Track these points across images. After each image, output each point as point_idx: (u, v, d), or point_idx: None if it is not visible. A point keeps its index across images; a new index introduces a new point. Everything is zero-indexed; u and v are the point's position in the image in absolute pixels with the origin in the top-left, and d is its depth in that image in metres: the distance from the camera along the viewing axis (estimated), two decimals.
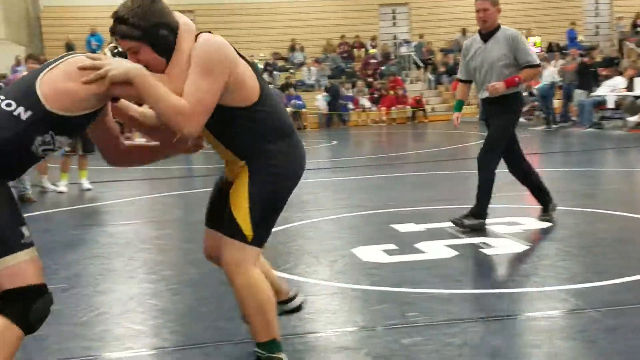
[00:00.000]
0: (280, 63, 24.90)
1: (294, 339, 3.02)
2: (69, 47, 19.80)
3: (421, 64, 24.32)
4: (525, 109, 20.23)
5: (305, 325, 3.19)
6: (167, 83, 2.30)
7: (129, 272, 4.38)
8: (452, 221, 5.16)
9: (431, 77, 23.96)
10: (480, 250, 4.57)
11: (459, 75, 5.57)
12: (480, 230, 5.08)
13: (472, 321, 3.16)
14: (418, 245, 4.69)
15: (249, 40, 25.26)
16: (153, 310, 3.54)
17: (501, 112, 5.14)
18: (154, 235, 5.59)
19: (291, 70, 24.44)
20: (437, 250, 4.56)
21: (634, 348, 2.78)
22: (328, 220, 5.88)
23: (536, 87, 17.07)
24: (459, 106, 5.61)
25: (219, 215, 2.66)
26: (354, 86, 23.10)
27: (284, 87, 22.15)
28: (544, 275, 3.94)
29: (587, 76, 16.02)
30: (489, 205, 5.17)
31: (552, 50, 23.37)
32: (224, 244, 2.53)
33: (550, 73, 16.73)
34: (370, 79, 23.89)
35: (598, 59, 17.75)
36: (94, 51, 19.86)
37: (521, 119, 21.35)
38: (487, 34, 5.14)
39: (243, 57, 2.48)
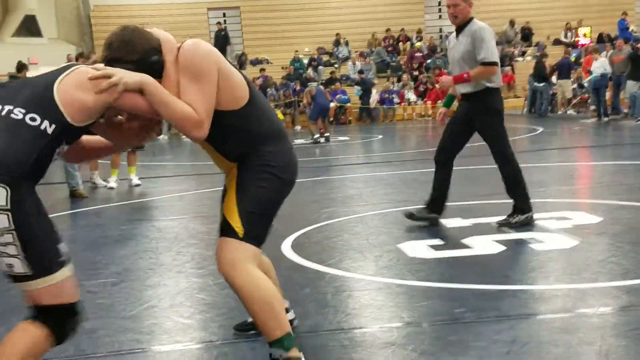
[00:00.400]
0: (325, 58, 24.90)
1: (340, 334, 3.02)
2: None
3: None
4: (575, 101, 19.91)
5: (351, 321, 3.19)
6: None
7: (177, 266, 4.44)
8: (499, 224, 5.02)
9: None
10: (529, 245, 4.49)
11: (450, 69, 5.56)
12: (530, 225, 4.99)
13: (521, 318, 3.11)
14: (465, 241, 4.64)
15: (294, 35, 25.38)
16: (201, 304, 3.59)
17: (483, 113, 5.06)
18: (202, 230, 5.65)
19: (336, 65, 24.42)
20: (484, 245, 4.49)
21: None
22: (374, 215, 5.86)
23: (587, 79, 16.68)
24: (449, 102, 5.56)
25: None
26: (399, 80, 22.96)
27: (328, 82, 22.14)
28: (595, 272, 3.84)
29: (639, 67, 15.60)
30: (531, 200, 5.06)
31: (603, 40, 22.82)
32: (218, 247, 2.53)
33: (601, 64, 16.34)
34: (415, 73, 23.72)
35: None
36: None
37: (570, 112, 20.84)
38: (458, 29, 5.14)
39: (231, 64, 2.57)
